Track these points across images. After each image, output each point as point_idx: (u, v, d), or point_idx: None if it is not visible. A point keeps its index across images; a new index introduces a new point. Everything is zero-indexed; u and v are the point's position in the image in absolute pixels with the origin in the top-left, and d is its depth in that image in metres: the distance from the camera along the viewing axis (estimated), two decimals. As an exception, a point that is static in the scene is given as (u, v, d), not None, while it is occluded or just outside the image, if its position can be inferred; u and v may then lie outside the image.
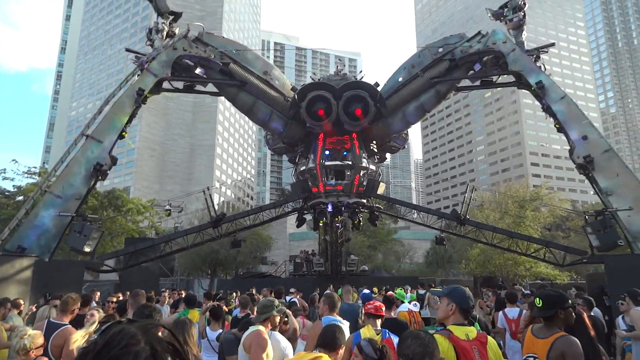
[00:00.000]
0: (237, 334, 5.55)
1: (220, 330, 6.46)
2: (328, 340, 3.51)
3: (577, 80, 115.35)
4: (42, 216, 15.89)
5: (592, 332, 4.41)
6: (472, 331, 3.20)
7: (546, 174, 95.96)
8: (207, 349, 6.33)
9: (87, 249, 16.42)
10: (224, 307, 10.23)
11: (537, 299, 3.51)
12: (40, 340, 4.18)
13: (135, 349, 0.90)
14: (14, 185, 31.90)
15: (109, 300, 8.13)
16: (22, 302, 7.50)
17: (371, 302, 5.17)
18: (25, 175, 32.03)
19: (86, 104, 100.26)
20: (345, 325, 5.21)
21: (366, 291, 13.36)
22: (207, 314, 6.65)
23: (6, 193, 31.44)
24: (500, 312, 8.63)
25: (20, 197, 30.06)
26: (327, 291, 7.57)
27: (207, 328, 6.55)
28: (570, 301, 3.54)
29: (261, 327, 4.41)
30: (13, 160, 31.96)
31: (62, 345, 4.79)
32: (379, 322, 4.94)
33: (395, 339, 4.19)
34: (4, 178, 31.23)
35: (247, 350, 4.23)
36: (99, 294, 8.59)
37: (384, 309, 5.04)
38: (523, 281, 32.18)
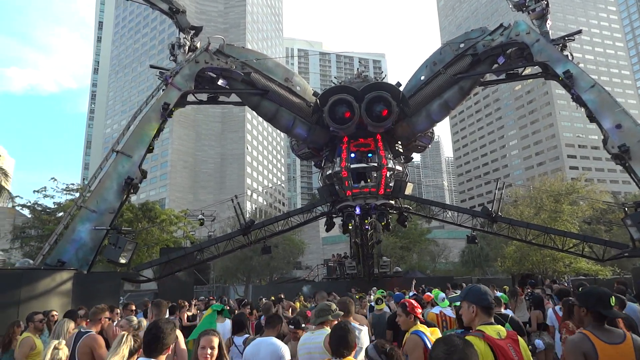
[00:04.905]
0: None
1: (247, 335, 6.56)
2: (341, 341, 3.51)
3: (612, 67, 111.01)
4: (79, 230, 16.52)
5: None
6: (502, 330, 3.11)
7: (584, 165, 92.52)
8: (236, 356, 6.42)
9: (122, 261, 16.94)
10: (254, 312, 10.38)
11: (613, 297, 3.28)
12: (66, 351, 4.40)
13: None
14: (54, 202, 33.35)
15: (128, 308, 8.36)
16: (55, 313, 7.79)
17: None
18: (64, 192, 33.42)
19: (120, 121, 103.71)
20: (363, 329, 5.21)
21: (398, 292, 13.27)
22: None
23: (47, 210, 32.85)
24: (551, 310, 8.37)
25: (61, 214, 31.32)
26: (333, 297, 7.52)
27: (234, 336, 6.66)
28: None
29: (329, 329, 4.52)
30: (52, 179, 33.16)
31: (88, 352, 5.02)
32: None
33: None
34: (45, 196, 32.69)
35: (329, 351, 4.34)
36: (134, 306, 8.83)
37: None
38: (563, 278, 31.08)
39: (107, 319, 5.94)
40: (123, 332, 3.87)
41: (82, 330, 5.35)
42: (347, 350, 3.46)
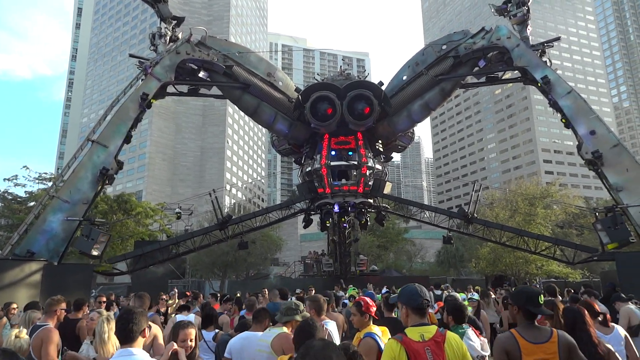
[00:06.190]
0: (233, 335, 5.55)
1: (216, 331, 6.49)
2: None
3: (588, 75, 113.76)
4: (50, 221, 16.10)
5: (592, 330, 4.26)
6: (429, 331, 3.13)
7: (559, 170, 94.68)
8: (205, 351, 6.33)
9: (94, 253, 16.59)
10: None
11: (542, 296, 3.40)
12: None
13: None
14: (25, 192, 32.43)
15: (98, 300, 8.19)
16: (15, 305, 7.56)
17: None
18: (37, 181, 32.54)
19: (97, 111, 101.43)
20: (334, 329, 5.18)
21: (370, 291, 13.40)
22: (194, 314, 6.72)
23: (18, 199, 31.94)
24: None
25: (32, 203, 30.50)
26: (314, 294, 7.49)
27: (203, 330, 6.57)
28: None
29: (286, 329, 4.45)
30: (24, 167, 32.21)
31: (40, 345, 4.80)
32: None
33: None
34: (16, 184, 31.75)
35: (279, 353, 4.22)
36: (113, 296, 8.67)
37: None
38: (535, 280, 31.78)
39: (62, 311, 5.71)
40: (102, 319, 3.78)
41: (37, 323, 5.17)
42: None
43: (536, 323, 3.38)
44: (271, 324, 5.06)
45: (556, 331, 3.33)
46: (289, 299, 10.70)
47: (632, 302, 7.07)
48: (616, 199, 16.65)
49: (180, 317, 7.52)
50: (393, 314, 6.47)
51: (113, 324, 3.61)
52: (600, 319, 5.17)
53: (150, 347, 4.96)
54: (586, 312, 4.29)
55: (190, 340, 3.67)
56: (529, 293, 3.43)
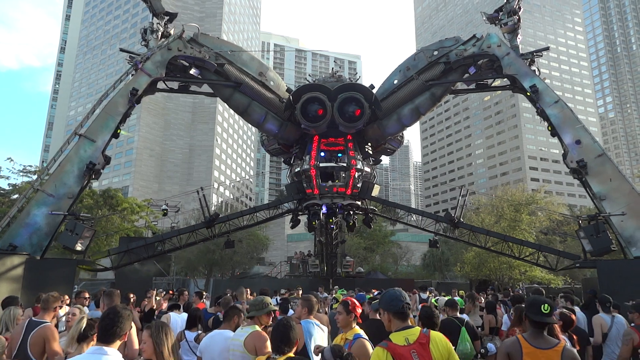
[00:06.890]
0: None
1: (199, 332, 6.47)
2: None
3: (575, 85, 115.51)
4: (34, 214, 15.88)
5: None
6: (414, 334, 3.16)
7: (545, 178, 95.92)
8: (186, 351, 6.29)
9: (78, 248, 16.38)
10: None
11: (546, 305, 3.42)
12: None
13: None
14: (9, 184, 31.90)
15: (81, 295, 8.08)
16: None
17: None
18: (21, 173, 32.03)
19: (85, 104, 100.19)
20: (324, 330, 5.22)
21: (361, 293, 13.46)
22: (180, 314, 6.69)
23: (1, 191, 31.41)
24: (506, 316, 8.79)
25: (16, 196, 30.04)
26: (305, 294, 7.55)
27: (185, 330, 6.54)
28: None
29: (258, 327, 4.49)
30: (8, 159, 31.63)
31: (41, 343, 4.76)
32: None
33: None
34: (-1, 176, 31.24)
35: (252, 352, 4.24)
36: (87, 295, 8.54)
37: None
38: (518, 285, 32.16)
39: (59, 308, 5.70)
40: (82, 316, 3.77)
41: (34, 319, 5.07)
42: (288, 347, 3.42)
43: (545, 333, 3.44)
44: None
45: (563, 343, 3.38)
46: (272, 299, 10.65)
47: (611, 311, 7.22)
48: (599, 208, 16.94)
49: (173, 315, 7.47)
50: (378, 316, 6.54)
51: (83, 323, 3.63)
52: (567, 334, 5.30)
53: (124, 346, 4.90)
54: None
55: (144, 343, 3.63)
56: (532, 301, 3.52)
